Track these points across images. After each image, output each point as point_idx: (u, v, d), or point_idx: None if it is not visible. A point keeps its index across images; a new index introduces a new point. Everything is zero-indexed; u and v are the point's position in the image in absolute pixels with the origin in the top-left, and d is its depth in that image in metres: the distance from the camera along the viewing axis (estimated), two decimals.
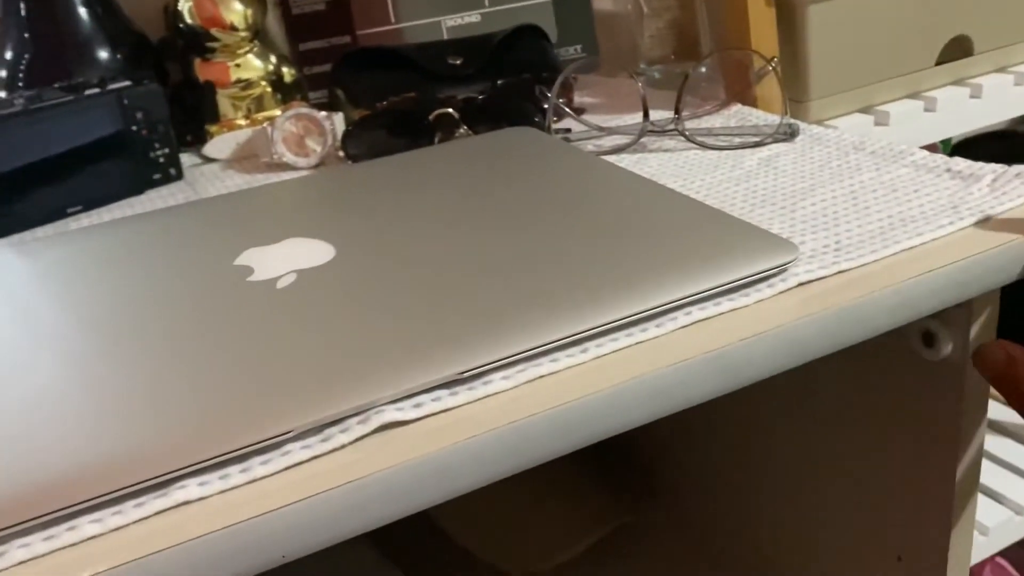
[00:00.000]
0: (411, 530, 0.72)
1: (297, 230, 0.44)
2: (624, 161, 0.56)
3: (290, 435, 0.30)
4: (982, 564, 0.87)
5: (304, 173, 0.61)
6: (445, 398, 0.32)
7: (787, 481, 0.61)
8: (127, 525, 0.28)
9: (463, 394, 0.32)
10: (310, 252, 0.42)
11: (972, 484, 0.50)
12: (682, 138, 0.57)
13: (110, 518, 0.27)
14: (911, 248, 0.40)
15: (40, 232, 0.57)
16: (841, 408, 0.54)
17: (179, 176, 0.64)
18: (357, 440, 0.30)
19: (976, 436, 0.49)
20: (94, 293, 0.40)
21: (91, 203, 0.60)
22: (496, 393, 0.33)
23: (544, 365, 0.34)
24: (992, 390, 0.50)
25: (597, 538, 0.68)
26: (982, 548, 0.79)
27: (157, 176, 0.63)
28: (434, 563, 0.71)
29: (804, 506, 0.60)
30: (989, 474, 0.84)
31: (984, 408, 0.49)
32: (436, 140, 0.60)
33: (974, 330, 0.45)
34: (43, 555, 0.27)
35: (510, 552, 0.68)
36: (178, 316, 0.37)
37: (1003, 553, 0.86)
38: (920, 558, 0.52)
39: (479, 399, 0.32)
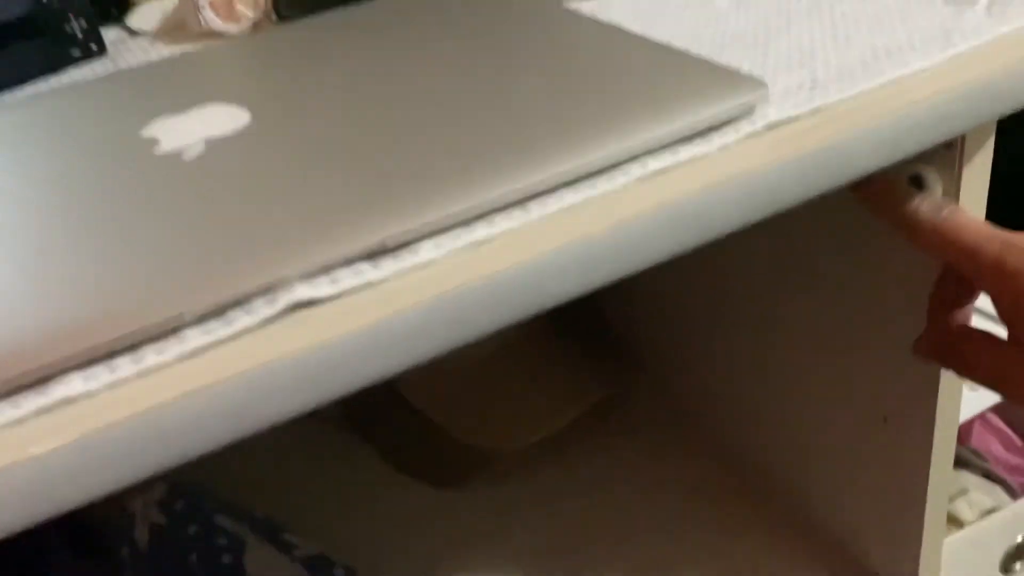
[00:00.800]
0: (386, 409, 0.70)
1: (212, 97, 0.39)
2: (584, 7, 0.50)
3: (186, 319, 0.26)
4: (971, 421, 0.86)
5: (233, 40, 0.56)
6: (367, 271, 0.28)
7: (770, 344, 0.58)
8: (1, 427, 0.24)
9: (387, 266, 0.28)
10: (223, 119, 0.37)
11: None
12: None
13: None
14: (895, 80, 0.36)
15: None
16: (825, 265, 0.51)
17: (101, 51, 0.58)
18: (264, 322, 0.27)
19: None
20: None
21: (6, 83, 0.55)
22: (425, 263, 0.29)
23: (480, 230, 0.30)
24: None
25: (576, 414, 0.66)
26: (971, 404, 0.77)
27: (76, 52, 0.57)
28: (410, 442, 0.69)
29: (787, 369, 0.57)
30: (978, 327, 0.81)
31: None
32: None
33: (966, 173, 0.41)
34: None
35: (487, 430, 0.67)
36: (72, 195, 0.33)
37: (993, 408, 0.85)
38: (907, 418, 0.50)
39: (406, 271, 0.29)
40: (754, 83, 0.33)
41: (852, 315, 0.51)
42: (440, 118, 0.34)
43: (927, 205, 0.39)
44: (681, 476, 0.65)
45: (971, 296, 0.42)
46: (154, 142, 0.36)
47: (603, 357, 0.75)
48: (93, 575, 0.49)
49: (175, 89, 0.42)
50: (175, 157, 0.35)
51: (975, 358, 0.40)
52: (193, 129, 0.36)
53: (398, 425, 0.70)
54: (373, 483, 0.67)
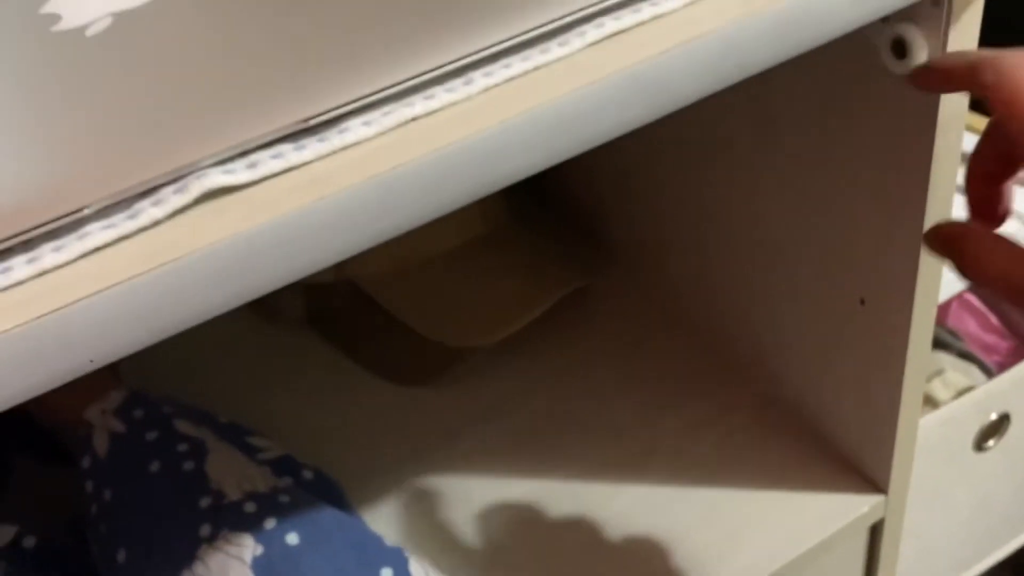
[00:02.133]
0: (350, 308, 0.68)
1: None
2: None
3: (87, 212, 0.24)
4: (948, 301, 0.85)
5: None
6: (289, 154, 0.25)
7: (744, 226, 0.56)
8: None
9: (312, 147, 0.26)
10: None
11: (945, 216, 0.45)
12: None
13: None
14: None
15: None
16: (801, 138, 0.48)
17: None
18: (175, 213, 0.24)
19: (949, 163, 0.43)
20: None
21: None
22: (356, 143, 0.26)
23: (417, 104, 0.27)
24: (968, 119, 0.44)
25: (544, 308, 0.64)
26: (949, 284, 0.76)
27: None
28: (376, 341, 0.67)
29: (762, 251, 0.55)
30: (959, 206, 0.80)
31: (960, 131, 0.43)
32: None
33: (953, 33, 0.38)
34: None
35: (455, 326, 0.65)
36: None
37: (971, 289, 0.84)
38: (884, 300, 0.48)
39: (334, 152, 0.26)
40: None
41: (829, 195, 0.48)
42: None
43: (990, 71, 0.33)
44: (656, 365, 0.64)
45: (1012, 169, 0.37)
46: (55, 19, 0.32)
47: (572, 247, 0.73)
48: (59, 486, 0.47)
49: None
50: (78, 34, 0.31)
51: (988, 256, 0.35)
52: (98, 2, 0.32)
53: (362, 324, 0.68)
54: (338, 384, 0.66)
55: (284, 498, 0.41)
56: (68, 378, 0.23)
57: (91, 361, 0.23)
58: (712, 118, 0.52)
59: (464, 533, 0.56)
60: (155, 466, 0.45)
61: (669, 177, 0.61)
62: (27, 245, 0.23)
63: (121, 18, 0.31)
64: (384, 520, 0.56)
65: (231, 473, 0.44)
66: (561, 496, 0.57)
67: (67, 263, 0.23)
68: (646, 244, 0.68)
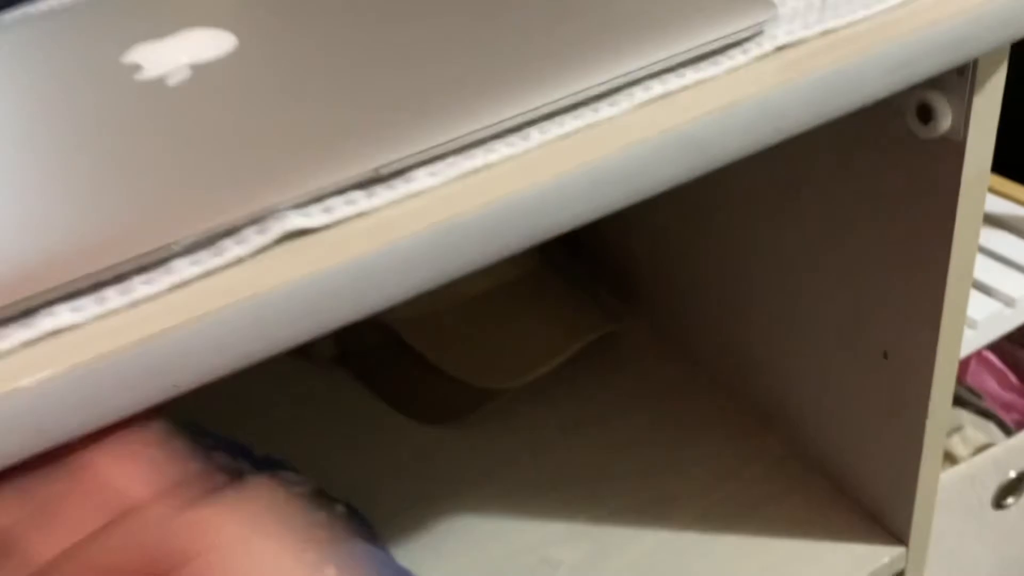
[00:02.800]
0: (380, 346, 0.70)
1: (195, 20, 0.38)
2: None
3: (176, 248, 0.25)
4: (968, 358, 0.86)
5: None
6: (360, 200, 0.27)
7: (769, 278, 0.57)
8: None
9: (381, 194, 0.27)
10: (208, 44, 0.35)
11: (966, 276, 0.46)
12: None
13: None
14: (909, 2, 0.34)
15: None
16: (826, 197, 0.50)
17: None
18: (256, 252, 0.26)
19: (972, 224, 0.45)
20: None
21: None
22: (421, 192, 0.28)
23: (478, 157, 0.29)
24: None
25: (573, 352, 0.66)
26: (969, 342, 0.77)
27: None
28: (404, 380, 0.69)
29: (788, 305, 0.57)
30: (979, 266, 0.81)
31: (983, 193, 0.45)
32: None
33: (977, 100, 0.40)
34: None
35: (483, 368, 0.66)
36: (53, 122, 0.32)
37: (990, 346, 0.85)
38: (907, 354, 0.50)
39: (401, 199, 0.28)
40: (763, 3, 0.32)
41: (853, 251, 0.50)
42: (435, 40, 0.33)
43: None
44: (680, 412, 0.65)
45: None
46: (136, 68, 0.35)
47: (600, 293, 0.74)
48: None
49: (156, 13, 0.40)
50: (159, 83, 0.33)
51: None
52: (177, 54, 0.35)
53: (392, 363, 0.70)
54: (366, 421, 0.67)
55: (319, 532, 0.42)
56: (153, 402, 0.25)
57: (175, 386, 0.25)
58: (740, 174, 0.54)
59: (489, 572, 0.57)
60: None
61: (696, 229, 0.63)
62: (119, 277, 0.25)
63: (199, 69, 0.34)
64: (411, 557, 0.57)
65: None
66: (582, 539, 0.58)
67: (156, 295, 0.25)
68: (673, 293, 0.70)
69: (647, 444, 0.63)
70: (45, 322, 0.24)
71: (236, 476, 0.48)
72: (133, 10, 0.41)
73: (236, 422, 0.60)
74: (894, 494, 0.53)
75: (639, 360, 0.70)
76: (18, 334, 0.24)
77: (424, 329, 0.69)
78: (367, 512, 0.55)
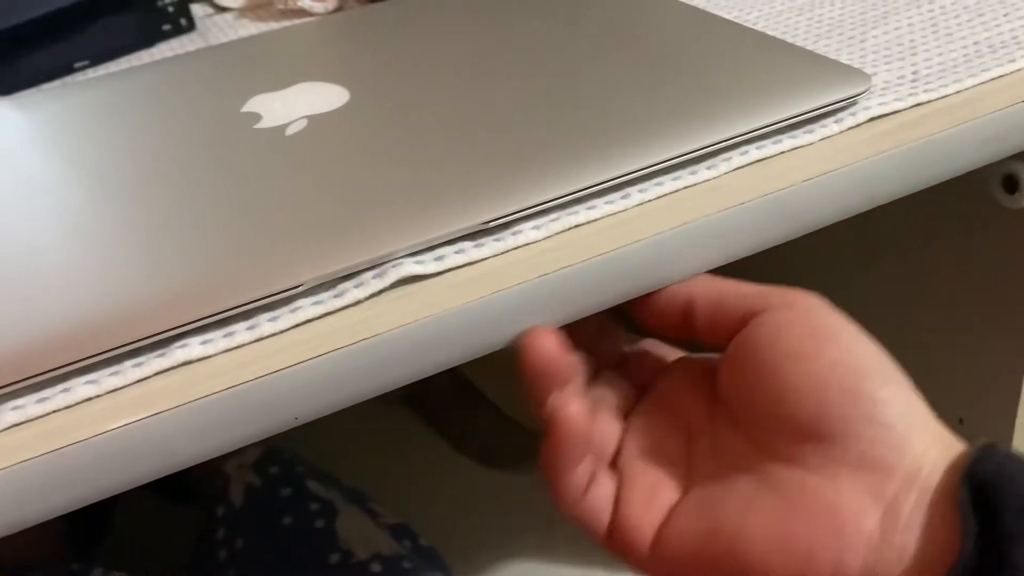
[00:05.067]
0: (449, 392, 0.71)
1: (309, 74, 0.40)
2: None
3: (300, 289, 0.27)
4: None
5: (321, 18, 0.57)
6: (469, 250, 0.29)
7: None
8: (125, 386, 0.25)
9: (489, 245, 0.29)
10: (322, 97, 0.38)
11: None
12: None
13: (107, 379, 0.25)
14: (999, 77, 0.35)
15: (46, 88, 0.53)
16: (908, 261, 0.50)
17: (191, 27, 0.59)
18: (373, 295, 0.28)
19: None
20: (95, 145, 0.37)
21: (98, 57, 0.56)
22: (526, 244, 0.29)
23: (580, 213, 0.30)
24: None
25: None
26: None
27: (167, 27, 0.59)
28: (473, 425, 0.70)
29: None
30: None
31: None
32: None
33: None
34: (36, 418, 0.25)
35: None
36: (181, 167, 0.34)
37: None
38: (983, 421, 0.49)
39: (507, 251, 0.29)
40: (859, 75, 0.33)
41: (933, 313, 0.50)
42: (538, 100, 0.34)
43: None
44: None
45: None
46: (256, 117, 0.37)
47: (662, 344, 0.75)
48: (181, 524, 0.50)
49: (271, 66, 0.43)
50: (278, 132, 0.35)
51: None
52: (294, 105, 0.37)
53: (461, 408, 0.71)
54: (434, 464, 0.68)
55: (407, 563, 0.43)
56: (275, 431, 0.26)
57: (296, 418, 0.26)
58: (820, 236, 0.55)
59: None
60: (288, 520, 0.48)
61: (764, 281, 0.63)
62: (247, 315, 0.27)
63: (315, 120, 0.36)
64: None
65: (359, 534, 0.47)
66: None
67: (281, 332, 0.27)
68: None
69: None
70: (178, 353, 0.26)
71: (328, 505, 0.49)
72: (249, 62, 0.44)
73: (309, 454, 0.62)
74: None
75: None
76: (154, 363, 0.26)
77: (492, 374, 0.70)
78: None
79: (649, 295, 0.31)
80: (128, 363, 0.26)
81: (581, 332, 0.32)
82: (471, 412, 0.70)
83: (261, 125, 0.36)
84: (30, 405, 0.25)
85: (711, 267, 0.31)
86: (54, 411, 0.25)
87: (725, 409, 0.30)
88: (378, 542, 0.44)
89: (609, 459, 0.31)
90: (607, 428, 0.32)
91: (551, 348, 0.28)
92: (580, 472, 0.30)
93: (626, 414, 0.33)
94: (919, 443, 0.26)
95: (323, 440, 0.68)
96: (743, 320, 0.30)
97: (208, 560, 0.47)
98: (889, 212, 0.50)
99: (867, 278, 0.53)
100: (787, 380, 0.28)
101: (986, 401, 0.49)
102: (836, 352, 0.28)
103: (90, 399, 0.25)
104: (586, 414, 0.29)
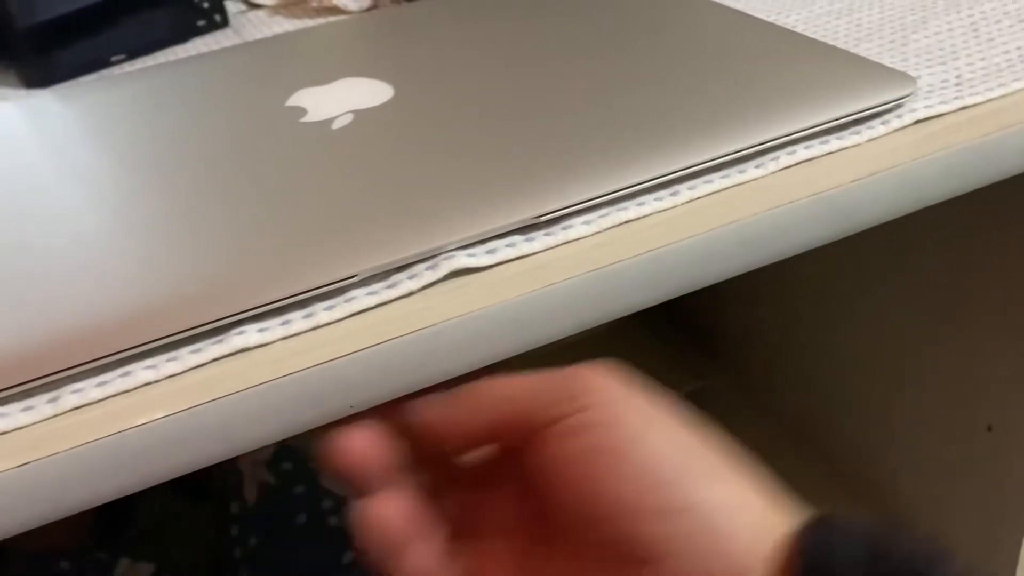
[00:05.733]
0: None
1: (352, 70, 0.40)
2: None
3: (355, 280, 0.27)
4: None
5: (356, 16, 0.57)
6: (520, 244, 0.29)
7: (873, 345, 0.58)
8: (183, 372, 0.26)
9: (540, 240, 0.29)
10: (367, 92, 0.38)
11: None
12: None
13: (165, 364, 0.26)
14: None
15: (83, 81, 0.54)
16: (941, 267, 0.50)
17: (224, 23, 0.60)
18: (426, 287, 0.28)
19: None
20: (140, 136, 0.38)
21: (135, 52, 0.57)
22: (577, 239, 0.30)
23: (630, 209, 0.30)
24: None
25: None
26: None
27: (202, 23, 0.59)
28: None
29: (890, 372, 0.57)
30: None
31: None
32: None
33: None
34: (96, 401, 0.25)
35: None
36: (229, 157, 0.34)
37: None
38: (1012, 429, 0.49)
39: (558, 245, 0.29)
40: (904, 78, 0.33)
41: (962, 322, 0.50)
42: (586, 97, 0.35)
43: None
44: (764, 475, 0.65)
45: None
46: (301, 111, 0.37)
47: (687, 350, 0.75)
48: (206, 523, 0.51)
49: (312, 62, 0.43)
50: (325, 126, 0.36)
51: None
52: (339, 100, 0.38)
53: None
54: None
55: None
56: (329, 419, 0.26)
57: (351, 407, 0.26)
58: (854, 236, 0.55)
59: None
60: (301, 519, 0.48)
61: (795, 290, 0.64)
62: (303, 303, 0.27)
63: (360, 115, 0.36)
64: None
65: None
66: None
67: (336, 321, 0.27)
68: (763, 354, 0.70)
69: None
70: (235, 340, 0.26)
71: (342, 502, 0.49)
72: (288, 58, 0.44)
73: None
74: (996, 570, 0.52)
75: (724, 419, 0.70)
76: (212, 349, 0.26)
77: (512, 373, 0.70)
78: None
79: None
80: (186, 349, 0.26)
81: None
82: None
83: (307, 119, 0.37)
84: (90, 389, 0.25)
85: (760, 265, 0.31)
86: (113, 395, 0.25)
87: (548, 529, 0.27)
88: None
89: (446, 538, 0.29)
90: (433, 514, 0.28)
91: (357, 449, 0.26)
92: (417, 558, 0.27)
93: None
94: (743, 541, 0.24)
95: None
96: (528, 435, 0.26)
97: (223, 557, 0.47)
98: (924, 214, 0.50)
99: (899, 281, 0.54)
100: (596, 505, 0.25)
101: (1014, 409, 0.49)
102: (639, 466, 0.25)
103: (149, 384, 0.25)
104: (400, 516, 0.27)
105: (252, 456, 0.51)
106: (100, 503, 0.24)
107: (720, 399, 0.72)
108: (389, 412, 0.27)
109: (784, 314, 0.65)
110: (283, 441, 0.53)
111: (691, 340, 0.76)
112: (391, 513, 0.27)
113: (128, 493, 0.25)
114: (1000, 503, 0.51)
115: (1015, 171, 0.34)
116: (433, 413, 0.28)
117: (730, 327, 0.73)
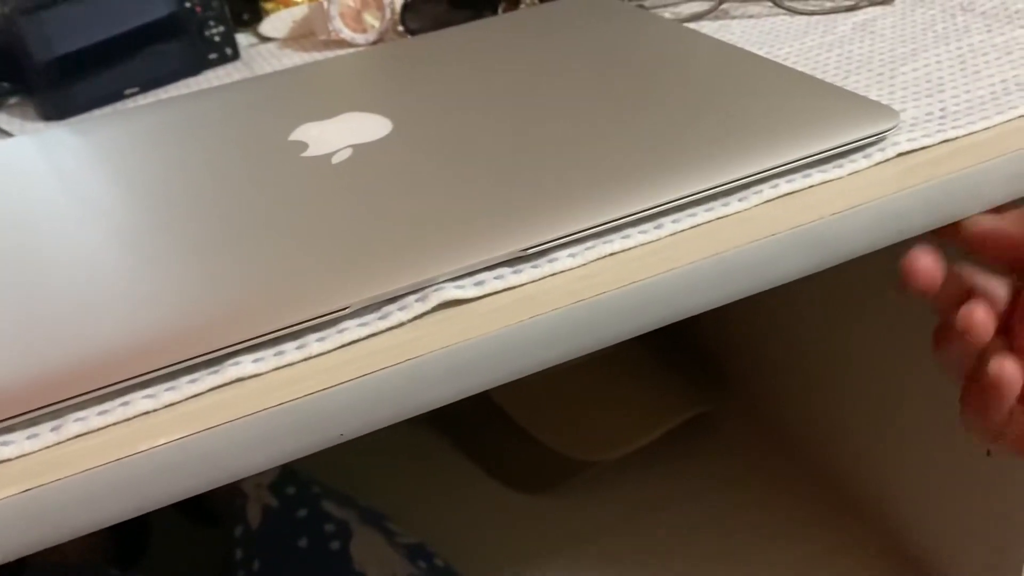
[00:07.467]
0: (479, 415, 0.72)
1: (353, 105, 0.42)
2: (704, 29, 0.52)
3: (347, 311, 0.29)
4: None
5: (362, 50, 0.59)
6: (508, 276, 0.30)
7: (876, 369, 0.58)
8: (181, 401, 0.27)
9: (527, 272, 0.30)
10: (367, 127, 0.39)
11: None
12: (769, 2, 0.52)
13: (164, 393, 0.27)
14: None
15: (98, 114, 0.56)
16: None
17: (235, 56, 0.62)
18: (416, 318, 0.29)
19: None
20: (147, 169, 0.39)
21: (148, 84, 0.58)
22: (562, 271, 0.30)
23: (615, 242, 0.31)
24: None
25: (666, 430, 0.67)
26: None
27: (213, 56, 0.61)
28: (501, 448, 0.71)
29: (893, 396, 0.57)
30: None
31: None
32: (500, 10, 0.57)
33: None
34: (98, 429, 0.26)
35: (578, 440, 0.68)
36: (231, 191, 0.36)
37: None
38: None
39: (544, 277, 0.30)
40: (888, 112, 0.34)
41: None
42: (575, 132, 0.36)
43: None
44: (769, 496, 0.66)
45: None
46: (303, 146, 0.39)
47: (693, 375, 0.76)
48: (213, 546, 0.52)
49: (316, 96, 0.44)
50: (324, 161, 0.37)
51: None
52: (339, 135, 0.39)
53: (490, 431, 0.72)
54: (460, 485, 0.69)
55: None
56: (321, 447, 0.27)
57: (341, 435, 0.27)
58: (850, 263, 0.56)
59: None
60: (303, 542, 0.49)
61: (799, 316, 0.64)
62: (296, 335, 0.28)
63: (359, 149, 0.38)
64: None
65: (374, 556, 0.48)
66: None
67: (328, 351, 0.28)
68: (769, 378, 0.70)
69: (734, 526, 0.64)
70: (231, 371, 0.27)
71: (344, 526, 0.51)
72: (294, 92, 0.46)
73: (334, 474, 0.63)
74: None
75: (730, 441, 0.71)
76: (209, 379, 0.27)
77: (522, 399, 0.71)
78: (460, 570, 0.57)
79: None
80: (184, 379, 0.27)
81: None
82: (503, 436, 0.71)
83: (308, 153, 0.38)
84: (92, 417, 0.26)
85: (742, 296, 0.32)
86: (114, 423, 0.26)
87: None
88: (392, 563, 0.45)
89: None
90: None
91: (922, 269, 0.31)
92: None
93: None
94: None
95: (347, 458, 0.70)
96: None
97: None
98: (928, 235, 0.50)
99: (898, 307, 0.54)
100: None
101: None
102: None
103: (148, 412, 0.26)
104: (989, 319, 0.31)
105: (255, 480, 0.52)
106: (101, 527, 0.25)
107: (726, 423, 0.72)
108: (944, 232, 0.31)
109: (789, 338, 0.66)
110: (286, 465, 0.55)
111: (697, 364, 0.76)
112: (981, 316, 0.31)
113: (128, 518, 0.26)
114: (1002, 525, 0.51)
115: (997, 202, 0.34)
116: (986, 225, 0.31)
117: (736, 352, 0.73)
